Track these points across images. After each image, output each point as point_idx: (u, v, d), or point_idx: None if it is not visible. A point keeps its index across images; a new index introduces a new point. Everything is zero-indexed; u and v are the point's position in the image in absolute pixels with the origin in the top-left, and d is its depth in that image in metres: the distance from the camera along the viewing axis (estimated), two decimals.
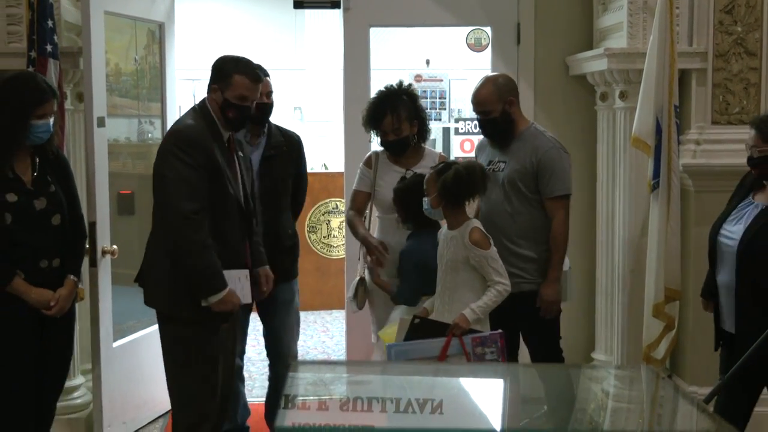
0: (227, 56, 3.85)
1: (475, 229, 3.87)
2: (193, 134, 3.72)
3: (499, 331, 3.84)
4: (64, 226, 3.76)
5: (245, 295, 3.80)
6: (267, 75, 4.34)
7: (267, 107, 4.37)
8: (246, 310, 4.43)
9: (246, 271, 3.84)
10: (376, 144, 4.63)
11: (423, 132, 4.42)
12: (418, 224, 4.16)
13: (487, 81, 4.24)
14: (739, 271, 3.63)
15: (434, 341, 3.76)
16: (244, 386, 4.76)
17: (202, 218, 3.64)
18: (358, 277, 4.43)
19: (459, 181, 3.86)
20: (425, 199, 3.94)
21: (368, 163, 4.48)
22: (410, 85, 4.46)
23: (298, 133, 4.67)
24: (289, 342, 4.62)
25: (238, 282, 3.78)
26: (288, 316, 4.57)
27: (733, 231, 3.68)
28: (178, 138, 3.73)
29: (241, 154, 3.93)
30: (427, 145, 4.59)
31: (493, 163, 4.22)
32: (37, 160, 3.73)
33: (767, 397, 4.65)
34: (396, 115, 4.25)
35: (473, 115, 4.38)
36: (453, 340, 3.75)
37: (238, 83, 3.73)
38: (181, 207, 3.62)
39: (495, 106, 4.14)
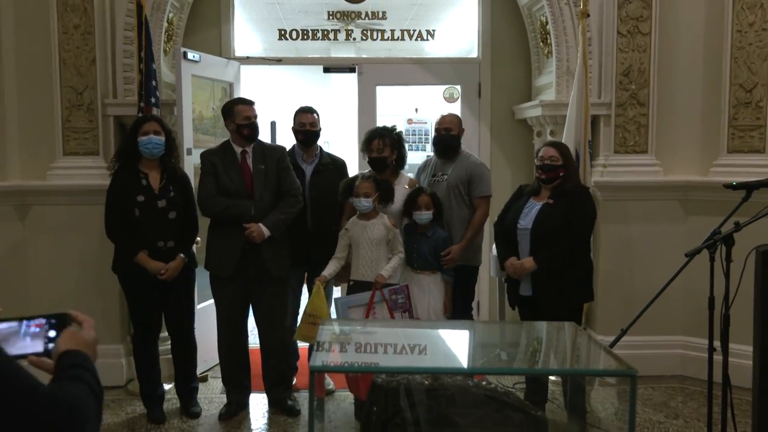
0: (228, 101, 4.12)
1: (389, 217, 3.93)
2: (204, 153, 4.02)
3: (406, 284, 3.86)
4: (178, 220, 3.84)
5: None
6: (313, 112, 4.28)
7: (310, 134, 4.26)
8: (298, 280, 4.37)
9: None
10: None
11: (401, 160, 4.18)
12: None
13: (453, 114, 4.37)
14: (533, 249, 3.66)
15: (365, 293, 3.80)
16: None
17: (213, 198, 3.89)
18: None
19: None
20: (369, 199, 3.86)
21: None
22: (399, 130, 4.24)
23: (343, 159, 4.53)
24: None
25: None
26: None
27: (525, 223, 3.70)
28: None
29: (262, 166, 3.91)
30: (406, 171, 4.38)
31: (437, 175, 4.24)
32: (165, 175, 3.85)
33: None
34: (382, 139, 4.06)
35: None
36: (376, 292, 3.79)
37: (239, 111, 3.92)
38: (200, 194, 3.94)
39: (456, 129, 4.23)
